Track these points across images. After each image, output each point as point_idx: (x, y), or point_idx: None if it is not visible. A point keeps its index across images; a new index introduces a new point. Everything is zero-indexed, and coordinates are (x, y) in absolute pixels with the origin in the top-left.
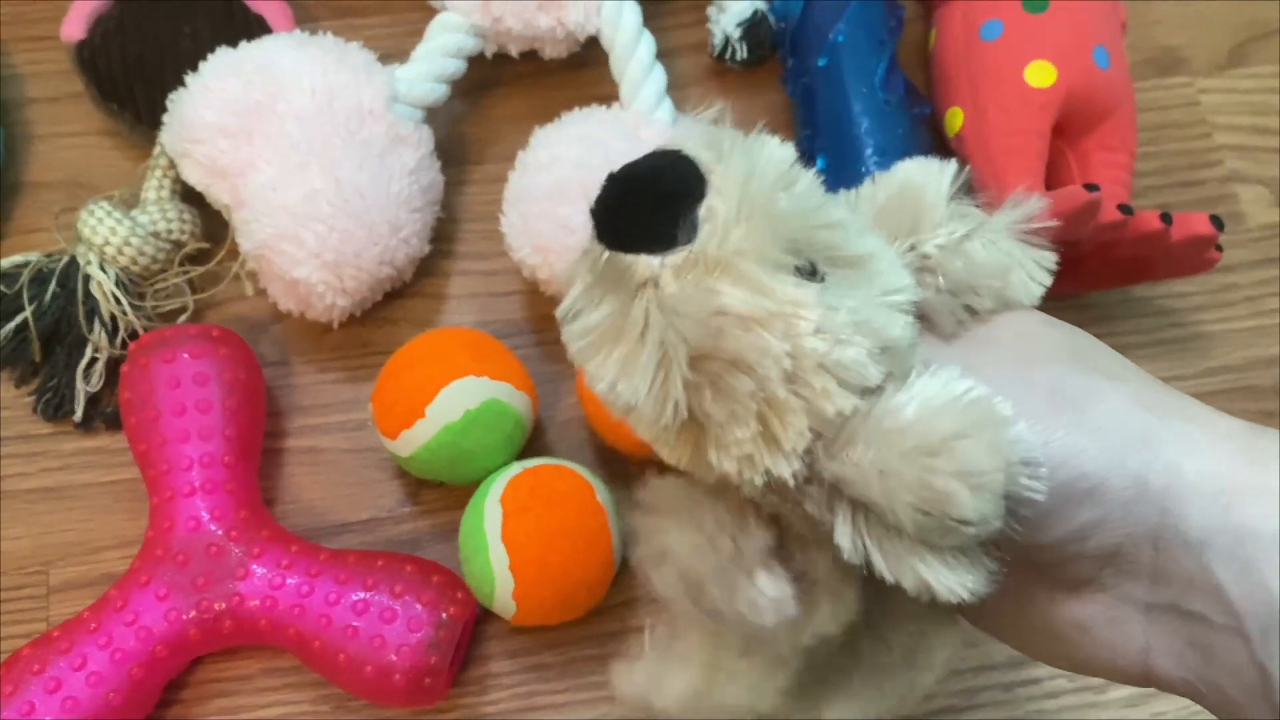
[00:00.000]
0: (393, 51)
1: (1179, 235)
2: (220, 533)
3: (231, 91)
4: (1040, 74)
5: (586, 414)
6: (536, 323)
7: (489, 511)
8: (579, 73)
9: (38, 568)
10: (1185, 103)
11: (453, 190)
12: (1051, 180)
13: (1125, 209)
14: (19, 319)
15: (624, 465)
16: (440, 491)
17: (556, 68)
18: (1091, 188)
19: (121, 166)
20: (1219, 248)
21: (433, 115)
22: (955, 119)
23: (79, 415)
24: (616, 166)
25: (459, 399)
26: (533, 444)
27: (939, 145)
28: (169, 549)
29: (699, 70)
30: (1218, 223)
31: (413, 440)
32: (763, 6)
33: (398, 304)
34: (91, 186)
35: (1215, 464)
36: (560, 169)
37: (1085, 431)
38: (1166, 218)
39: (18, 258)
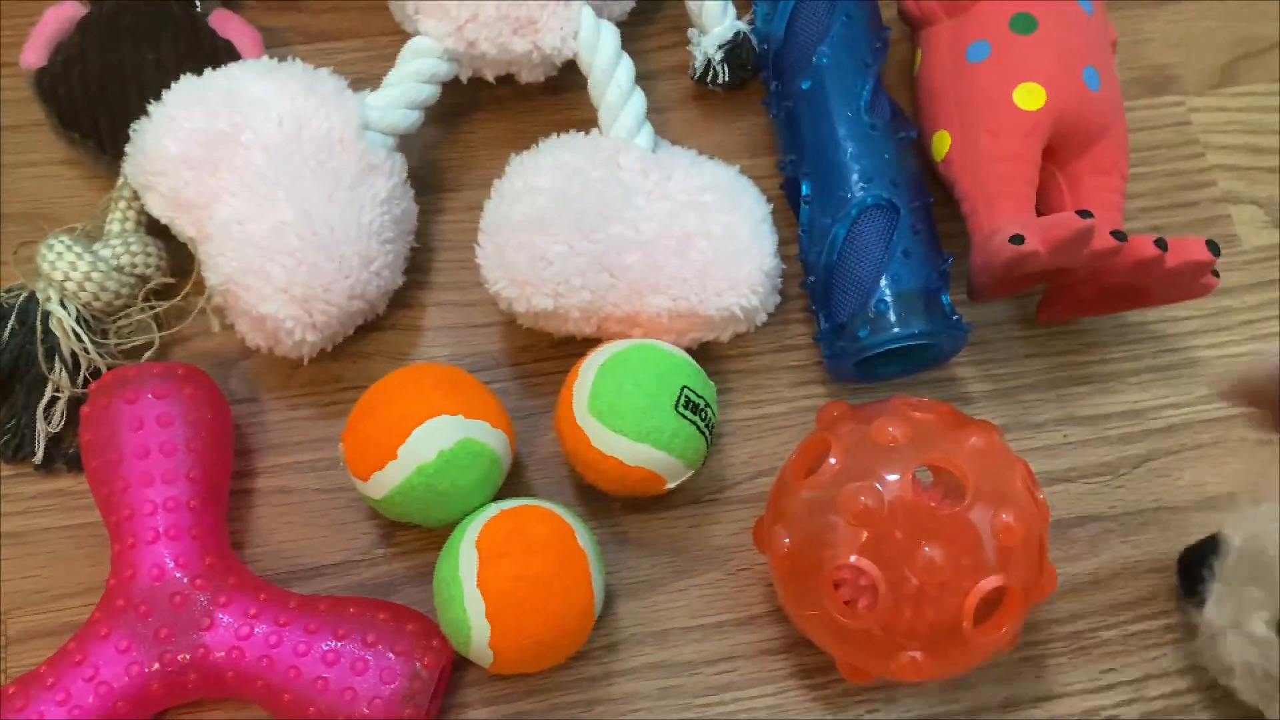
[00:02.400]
0: (367, 76)
1: (1174, 261)
2: (185, 580)
3: (196, 121)
4: (1030, 96)
5: (565, 451)
6: (515, 355)
7: (464, 556)
8: (557, 96)
9: None
10: (1177, 122)
11: (428, 218)
12: (1042, 205)
13: (1119, 235)
14: None
15: (605, 502)
16: (416, 532)
17: (534, 91)
18: (1085, 214)
19: (84, 197)
20: (1215, 273)
21: (407, 142)
22: (943, 143)
23: (39, 457)
24: None
25: (433, 439)
26: (511, 482)
27: (926, 170)
28: (131, 599)
29: (680, 93)
30: (1214, 248)
31: (385, 482)
32: (745, 28)
33: (371, 337)
34: (53, 218)
35: None
36: (537, 198)
37: None
38: (1161, 243)
39: None
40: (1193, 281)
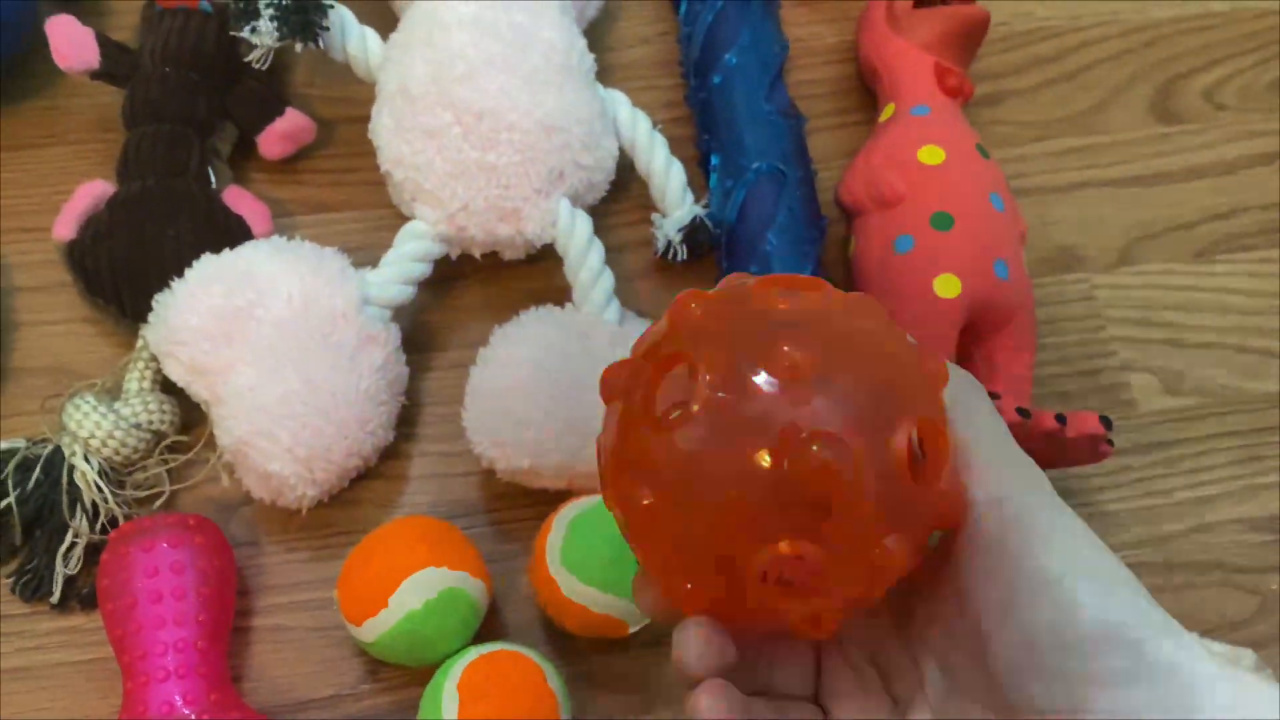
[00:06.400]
0: (364, 245)
1: (1073, 434)
2: (192, 716)
3: (215, 298)
4: (947, 286)
5: (538, 597)
6: (492, 503)
7: (446, 698)
8: (536, 266)
9: None
10: (1082, 297)
11: (417, 376)
12: None
13: (1023, 413)
14: (2, 505)
15: (572, 642)
16: (399, 670)
17: (515, 262)
18: (993, 396)
19: (104, 353)
20: (1110, 442)
21: (400, 307)
22: None
23: (56, 597)
24: None
25: (419, 589)
26: (489, 621)
27: None
28: None
29: (646, 264)
30: (1107, 422)
31: (376, 628)
32: (701, 211)
33: (362, 486)
34: (76, 373)
35: None
36: (517, 369)
37: None
38: (1061, 418)
39: (3, 444)
40: (1090, 451)
